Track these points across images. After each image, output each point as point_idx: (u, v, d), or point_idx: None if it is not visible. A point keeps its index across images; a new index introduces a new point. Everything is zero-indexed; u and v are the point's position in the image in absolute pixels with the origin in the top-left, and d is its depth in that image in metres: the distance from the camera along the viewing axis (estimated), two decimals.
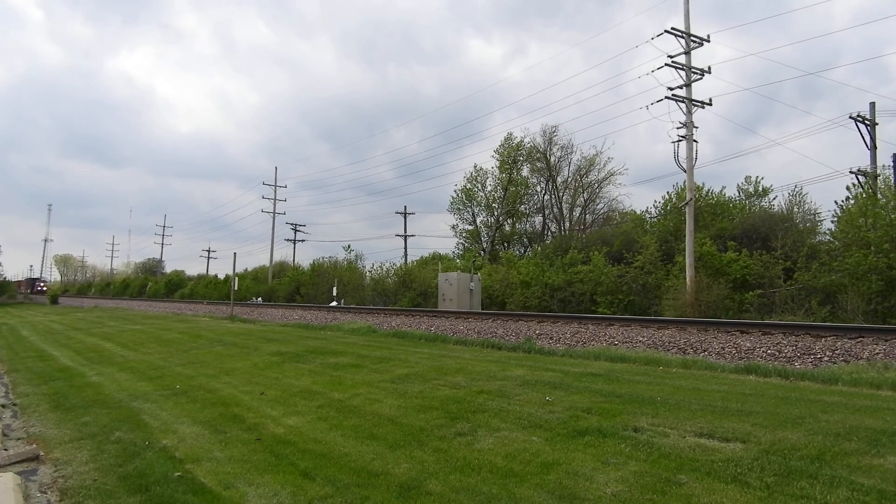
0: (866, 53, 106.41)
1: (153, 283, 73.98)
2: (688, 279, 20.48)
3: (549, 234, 42.76)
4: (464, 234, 46.88)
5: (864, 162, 24.25)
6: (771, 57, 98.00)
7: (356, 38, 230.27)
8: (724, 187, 35.38)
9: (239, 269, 46.75)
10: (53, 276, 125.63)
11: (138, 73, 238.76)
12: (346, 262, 42.03)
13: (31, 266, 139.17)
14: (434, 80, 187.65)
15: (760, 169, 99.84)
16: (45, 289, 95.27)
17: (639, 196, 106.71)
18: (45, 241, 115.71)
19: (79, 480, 4.75)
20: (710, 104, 22.12)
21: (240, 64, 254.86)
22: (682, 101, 21.87)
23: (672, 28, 21.89)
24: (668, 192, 28.61)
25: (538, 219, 44.68)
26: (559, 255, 27.68)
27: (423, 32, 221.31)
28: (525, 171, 44.72)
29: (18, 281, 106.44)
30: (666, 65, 21.91)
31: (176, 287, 66.99)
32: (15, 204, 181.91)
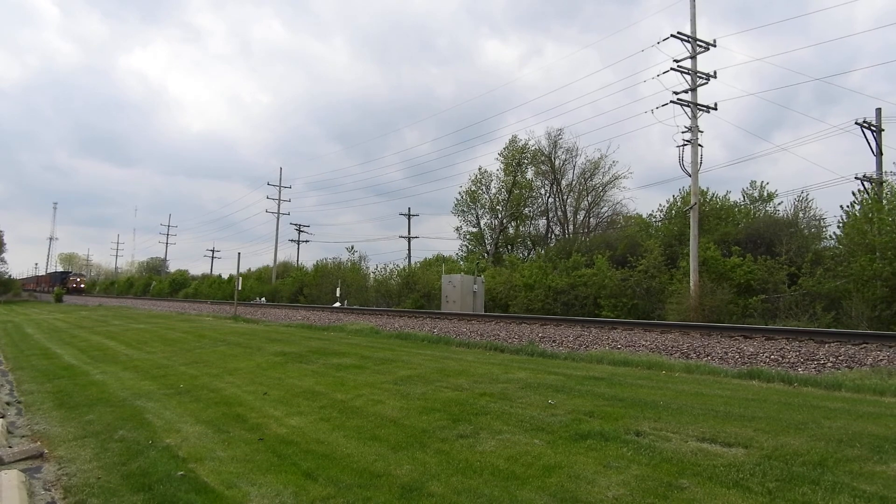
0: (885, 58, 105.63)
1: (157, 283, 74.27)
2: (692, 283, 20.44)
3: (553, 237, 42.76)
4: (467, 237, 46.92)
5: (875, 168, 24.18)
6: (788, 60, 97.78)
7: (371, 40, 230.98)
8: (728, 192, 35.33)
9: (243, 270, 46.86)
10: None
11: (152, 72, 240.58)
12: (349, 263, 42.11)
13: (37, 264, 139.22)
14: (449, 81, 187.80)
15: (773, 174, 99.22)
16: (82, 286, 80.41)
17: (649, 199, 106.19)
18: (51, 239, 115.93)
19: (82, 478, 4.78)
20: (716, 108, 22.11)
21: (254, 64, 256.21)
22: (688, 106, 21.86)
23: (679, 32, 21.89)
24: (672, 196, 28.60)
25: (542, 222, 44.72)
26: (563, 258, 27.66)
27: (438, 34, 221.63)
28: (529, 174, 44.75)
29: (38, 277, 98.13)
30: (672, 69, 21.91)
31: (180, 286, 67.24)
32: (24, 201, 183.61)
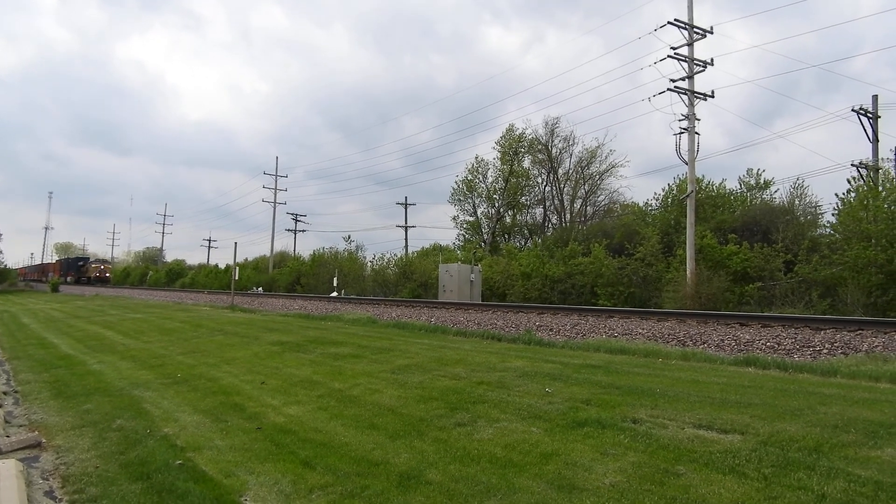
0: (888, 44, 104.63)
1: (154, 272, 74.08)
2: (688, 272, 20.49)
3: (550, 225, 42.76)
4: (465, 226, 46.91)
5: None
6: (791, 47, 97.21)
7: (373, 27, 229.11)
8: (724, 179, 35.36)
9: (240, 259, 46.74)
10: None
11: (151, 60, 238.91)
12: (346, 253, 42.09)
13: (32, 254, 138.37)
14: (450, 69, 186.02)
15: (773, 161, 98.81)
16: (107, 275, 69.98)
17: (649, 188, 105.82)
18: (46, 228, 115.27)
19: (80, 467, 4.78)
20: (713, 96, 22.06)
21: (254, 52, 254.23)
22: (685, 94, 21.79)
23: (676, 19, 21.77)
24: (668, 184, 28.63)
25: (539, 210, 44.71)
26: (560, 247, 27.70)
27: (440, 21, 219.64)
28: (526, 163, 44.66)
29: (44, 265, 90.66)
30: (669, 57, 21.82)
31: (177, 276, 67.12)
32: (21, 191, 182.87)
